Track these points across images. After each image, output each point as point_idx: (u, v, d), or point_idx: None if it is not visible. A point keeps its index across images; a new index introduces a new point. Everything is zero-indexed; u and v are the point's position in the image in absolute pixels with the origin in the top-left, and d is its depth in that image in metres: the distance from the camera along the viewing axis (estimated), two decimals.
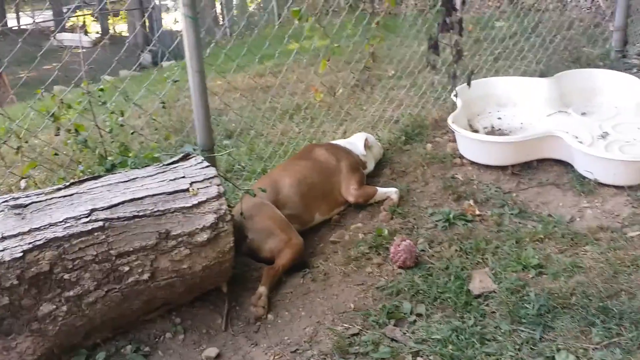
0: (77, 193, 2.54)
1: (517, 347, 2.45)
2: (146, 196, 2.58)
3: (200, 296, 2.83)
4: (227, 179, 3.28)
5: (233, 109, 5.05)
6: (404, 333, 2.63)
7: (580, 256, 3.02)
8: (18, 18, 20.24)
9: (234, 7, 15.98)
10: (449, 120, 4.10)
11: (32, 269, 2.26)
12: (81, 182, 2.62)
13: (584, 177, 3.70)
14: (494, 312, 2.70)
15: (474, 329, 2.58)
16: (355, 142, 3.98)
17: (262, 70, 6.24)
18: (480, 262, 3.09)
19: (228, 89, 5.56)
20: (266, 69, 6.10)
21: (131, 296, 2.49)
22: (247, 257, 3.22)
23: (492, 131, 4.36)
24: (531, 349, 2.44)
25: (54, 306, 2.31)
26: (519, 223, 3.41)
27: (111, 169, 2.84)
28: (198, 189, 2.69)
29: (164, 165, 2.82)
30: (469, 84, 4.11)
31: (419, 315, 2.74)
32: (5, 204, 2.43)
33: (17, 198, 2.48)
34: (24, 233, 2.30)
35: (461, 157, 4.12)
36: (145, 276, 2.50)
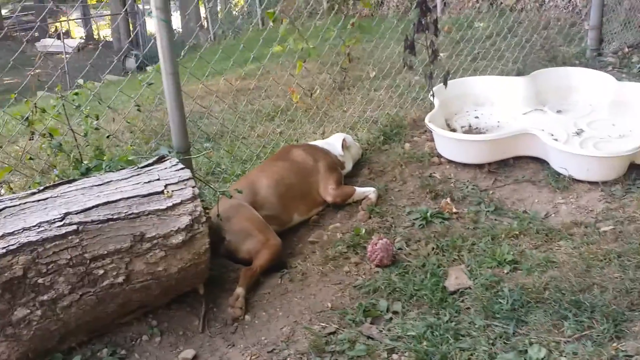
0: (51, 197, 2.54)
1: (491, 341, 2.48)
2: (120, 199, 2.58)
3: (177, 298, 2.83)
4: (203, 180, 3.29)
5: (212, 112, 5.05)
6: (380, 331, 2.65)
7: (554, 251, 3.06)
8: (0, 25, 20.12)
9: (219, 12, 15.97)
10: (426, 120, 4.14)
11: (6, 274, 2.26)
12: (55, 186, 2.62)
13: (559, 174, 3.74)
14: (468, 308, 2.73)
15: (449, 325, 2.60)
16: (333, 143, 4.00)
17: (245, 73, 6.25)
18: (457, 259, 3.12)
19: (210, 92, 5.56)
20: (249, 72, 6.10)
21: (106, 299, 2.49)
22: (225, 259, 3.23)
23: (470, 130, 4.40)
24: (504, 343, 2.46)
25: (28, 310, 2.31)
26: (495, 220, 3.45)
27: (86, 173, 2.84)
28: (173, 191, 2.69)
29: (138, 168, 2.82)
30: (445, 84, 4.16)
31: (395, 312, 2.76)
32: None
33: None
34: None
35: (439, 156, 4.16)
36: (120, 279, 2.50)
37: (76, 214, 2.46)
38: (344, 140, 4.01)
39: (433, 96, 4.34)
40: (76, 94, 2.93)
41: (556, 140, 3.94)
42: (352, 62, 3.81)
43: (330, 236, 3.45)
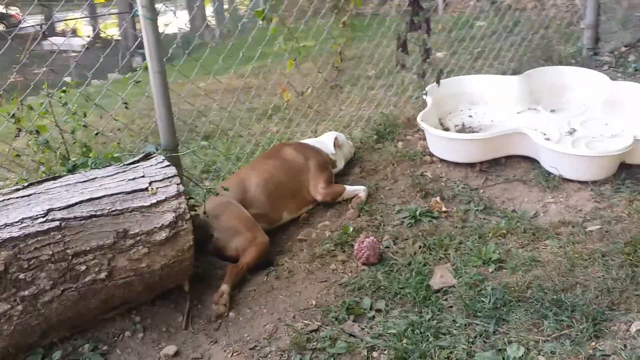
0: (35, 193, 2.56)
1: (471, 340, 2.48)
2: (104, 196, 2.60)
3: (162, 295, 2.85)
4: (190, 178, 3.30)
5: (210, 111, 5.07)
6: (362, 328, 2.66)
7: (539, 250, 3.06)
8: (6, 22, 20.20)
9: (225, 11, 16.00)
10: (418, 119, 4.14)
11: None
12: (40, 182, 2.64)
13: (550, 173, 3.73)
14: (451, 306, 2.73)
15: (430, 323, 2.61)
16: (325, 141, 4.01)
17: (243, 72, 6.26)
18: (443, 257, 3.12)
19: (210, 91, 5.55)
20: (251, 71, 6.10)
21: (88, 295, 2.51)
22: (213, 256, 3.25)
23: (463, 129, 4.40)
24: (484, 341, 2.47)
25: (9, 306, 2.33)
26: (484, 219, 3.45)
27: (73, 170, 2.86)
28: (157, 188, 2.71)
29: (124, 165, 2.84)
30: (437, 83, 4.15)
31: (379, 310, 2.77)
32: None
33: None
34: None
35: (431, 155, 4.16)
36: (103, 275, 2.52)
37: (59, 210, 2.48)
38: (335, 138, 4.02)
39: (426, 94, 4.33)
40: (64, 91, 2.95)
41: (548, 139, 3.93)
42: (343, 60, 3.81)
43: (319, 234, 3.46)
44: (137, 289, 2.66)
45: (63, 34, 18.54)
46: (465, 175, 3.93)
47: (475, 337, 2.50)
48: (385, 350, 2.49)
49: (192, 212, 3.10)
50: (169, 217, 2.67)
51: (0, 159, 3.11)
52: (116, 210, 2.58)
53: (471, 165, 3.97)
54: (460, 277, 2.92)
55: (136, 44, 3.23)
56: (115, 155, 2.87)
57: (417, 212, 3.50)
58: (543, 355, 2.33)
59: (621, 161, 3.62)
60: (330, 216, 3.67)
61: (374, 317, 2.74)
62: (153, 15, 2.85)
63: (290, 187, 3.65)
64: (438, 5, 8.44)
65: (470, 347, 2.44)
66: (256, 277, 3.11)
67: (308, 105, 4.94)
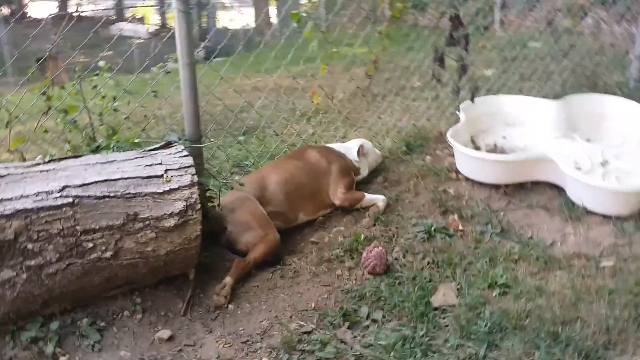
0: (54, 169, 2.67)
1: None
2: (120, 178, 2.68)
3: (166, 280, 2.92)
4: (208, 170, 3.37)
5: (252, 107, 5.15)
6: (355, 336, 2.68)
7: (548, 280, 3.01)
8: (77, 4, 20.93)
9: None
10: (448, 135, 4.11)
11: None
12: (60, 159, 2.75)
13: (574, 203, 3.65)
14: (447, 325, 2.72)
15: (422, 339, 2.60)
16: (351, 148, 4.02)
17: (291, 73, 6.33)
18: (449, 276, 3.10)
19: (256, 88, 5.62)
20: (299, 72, 6.16)
21: (92, 271, 2.60)
22: (225, 249, 3.31)
23: (494, 149, 4.34)
24: None
25: (14, 273, 2.44)
26: (499, 242, 3.41)
27: (96, 151, 2.97)
28: (172, 176, 2.79)
29: (144, 151, 2.93)
30: (472, 100, 4.12)
31: (374, 320, 2.78)
32: None
33: None
34: None
35: (457, 172, 4.12)
36: (108, 254, 2.60)
37: (75, 187, 2.58)
38: (361, 146, 4.02)
39: (459, 111, 4.30)
40: (96, 74, 3.06)
41: (579, 168, 3.84)
42: (377, 69, 3.82)
43: (332, 239, 3.48)
44: (140, 271, 2.74)
45: (131, 20, 19.09)
46: (488, 196, 3.88)
47: (464, 359, 2.48)
48: None
49: (209, 204, 3.19)
50: (179, 205, 2.74)
51: (28, 134, 3.24)
52: (129, 193, 2.66)
53: (496, 186, 3.92)
54: (463, 297, 2.90)
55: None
56: (136, 141, 2.96)
57: (433, 228, 3.48)
58: None
59: None
60: (346, 222, 3.69)
61: (368, 326, 2.75)
62: (186, 7, 2.93)
63: (309, 189, 3.68)
64: (494, 22, 8.33)
65: None
66: (262, 274, 3.16)
67: (338, 110, 4.94)
